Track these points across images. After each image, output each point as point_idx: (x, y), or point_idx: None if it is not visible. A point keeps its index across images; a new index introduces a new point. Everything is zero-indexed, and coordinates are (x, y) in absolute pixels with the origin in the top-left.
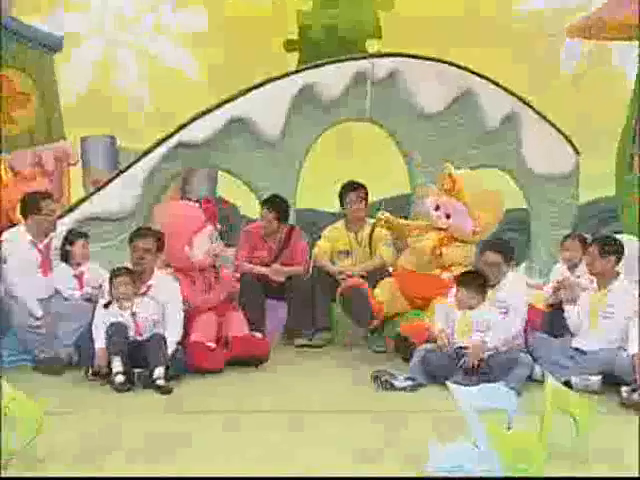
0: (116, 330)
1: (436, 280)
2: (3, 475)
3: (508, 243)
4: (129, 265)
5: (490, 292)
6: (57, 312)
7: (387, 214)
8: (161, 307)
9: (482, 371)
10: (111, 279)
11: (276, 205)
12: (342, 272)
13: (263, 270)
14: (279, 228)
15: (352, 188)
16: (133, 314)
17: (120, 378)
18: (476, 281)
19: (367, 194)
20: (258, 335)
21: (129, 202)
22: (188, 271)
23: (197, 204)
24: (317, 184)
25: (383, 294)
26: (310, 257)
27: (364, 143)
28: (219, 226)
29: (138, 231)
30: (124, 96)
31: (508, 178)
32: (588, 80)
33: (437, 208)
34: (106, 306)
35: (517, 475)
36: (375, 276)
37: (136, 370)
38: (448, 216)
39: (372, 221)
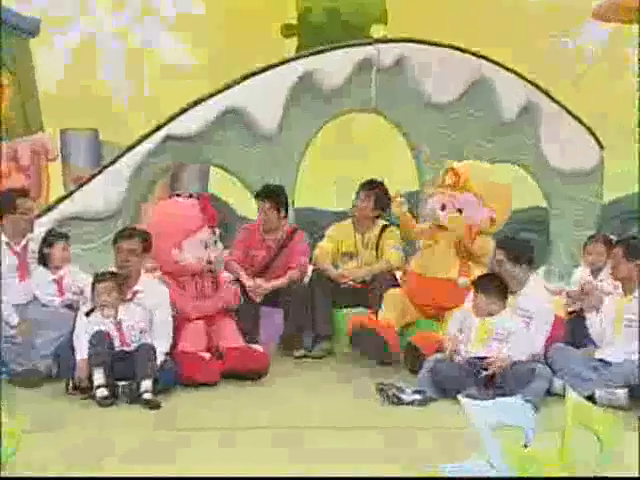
0: (99, 339)
1: (451, 286)
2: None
3: (519, 241)
4: (114, 269)
5: (510, 298)
6: (35, 320)
7: (405, 206)
8: (148, 314)
9: (497, 384)
10: (94, 284)
11: (270, 194)
12: (344, 276)
13: (244, 280)
14: (279, 221)
15: (364, 186)
16: (118, 322)
17: (103, 392)
18: (497, 285)
19: (380, 196)
20: (257, 347)
21: (113, 200)
22: (177, 275)
23: (196, 201)
24: (318, 181)
25: (389, 310)
26: (310, 259)
27: (369, 136)
28: (218, 230)
29: (123, 232)
30: (108, 85)
31: (525, 174)
32: (592, 78)
33: (444, 207)
34: (88, 314)
35: None
36: (381, 283)
37: (121, 383)
38: (459, 212)
39: (382, 222)
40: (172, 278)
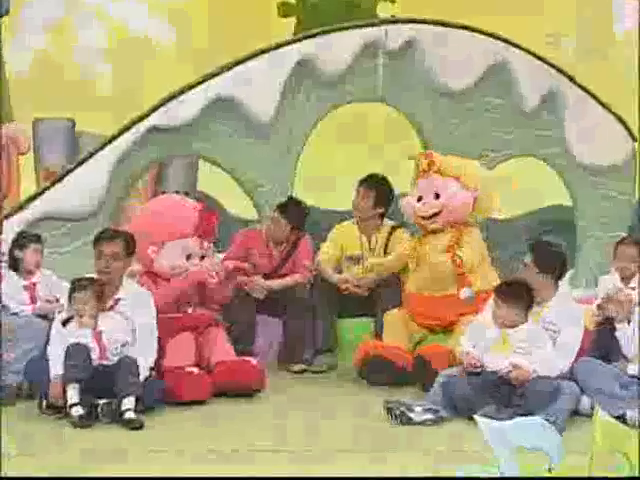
0: (76, 353)
1: (454, 301)
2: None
3: (551, 247)
4: (93, 274)
5: (535, 308)
6: (4, 331)
7: (372, 260)
8: (131, 325)
9: (517, 402)
10: (71, 292)
11: (294, 213)
12: (347, 281)
13: (243, 280)
14: (290, 237)
15: (362, 182)
16: (97, 334)
17: (78, 410)
18: (521, 294)
19: (380, 193)
20: (251, 360)
21: (91, 199)
22: (157, 276)
23: (197, 206)
24: (318, 177)
25: (394, 334)
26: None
27: (375, 128)
28: (209, 245)
29: (103, 233)
30: (85, 69)
31: (548, 169)
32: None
33: (420, 199)
34: (64, 324)
35: None
36: (387, 290)
37: (100, 401)
38: (437, 197)
39: (391, 223)
40: (150, 279)
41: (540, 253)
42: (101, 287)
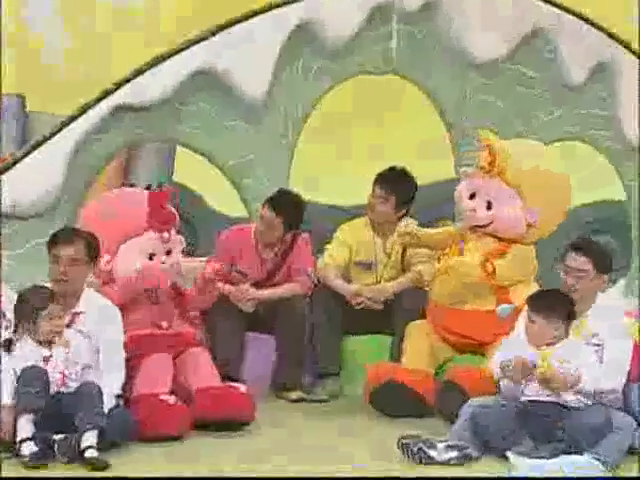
0: (30, 378)
1: (489, 318)
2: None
3: (600, 246)
4: (47, 283)
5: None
6: None
7: (412, 225)
8: (94, 344)
9: (559, 437)
10: (20, 304)
11: (286, 206)
12: (359, 294)
13: (225, 289)
14: (284, 237)
15: (381, 181)
16: (52, 356)
17: (30, 447)
18: (560, 303)
19: (403, 193)
20: (238, 387)
21: (46, 192)
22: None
23: (144, 196)
24: (320, 165)
25: (414, 352)
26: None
27: (388, 106)
28: (170, 234)
29: (61, 234)
30: (39, 37)
31: (597, 155)
32: None
33: (472, 196)
34: (8, 347)
35: None
36: (407, 304)
37: (57, 436)
38: (489, 206)
39: (411, 222)
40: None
41: (594, 250)
42: (57, 298)
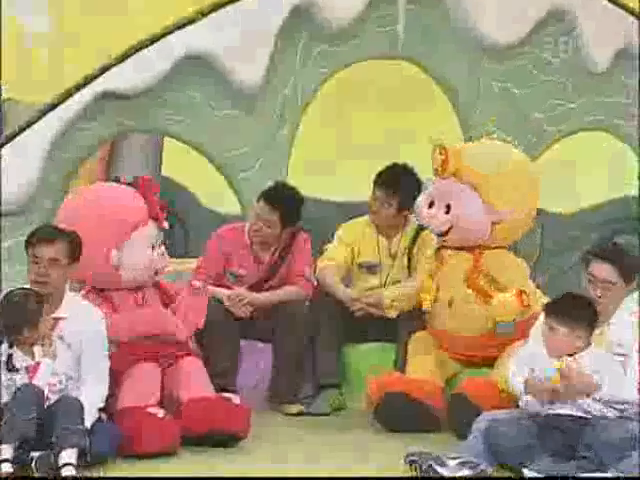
0: (25, 402)
1: (492, 338)
2: None
3: (626, 252)
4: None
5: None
6: None
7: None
8: (76, 353)
9: (581, 453)
10: (10, 310)
11: (283, 201)
12: (359, 300)
13: (217, 293)
14: (281, 235)
15: (382, 180)
16: (34, 367)
17: (7, 468)
18: (584, 312)
19: (407, 193)
20: (232, 398)
21: (22, 187)
22: (111, 291)
23: (131, 189)
24: (321, 158)
25: (422, 362)
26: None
27: (395, 94)
28: (166, 224)
29: (40, 232)
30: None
31: (622, 147)
32: None
33: (431, 205)
34: (13, 365)
35: None
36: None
37: (34, 454)
38: (448, 209)
39: (416, 222)
40: (100, 297)
41: (620, 258)
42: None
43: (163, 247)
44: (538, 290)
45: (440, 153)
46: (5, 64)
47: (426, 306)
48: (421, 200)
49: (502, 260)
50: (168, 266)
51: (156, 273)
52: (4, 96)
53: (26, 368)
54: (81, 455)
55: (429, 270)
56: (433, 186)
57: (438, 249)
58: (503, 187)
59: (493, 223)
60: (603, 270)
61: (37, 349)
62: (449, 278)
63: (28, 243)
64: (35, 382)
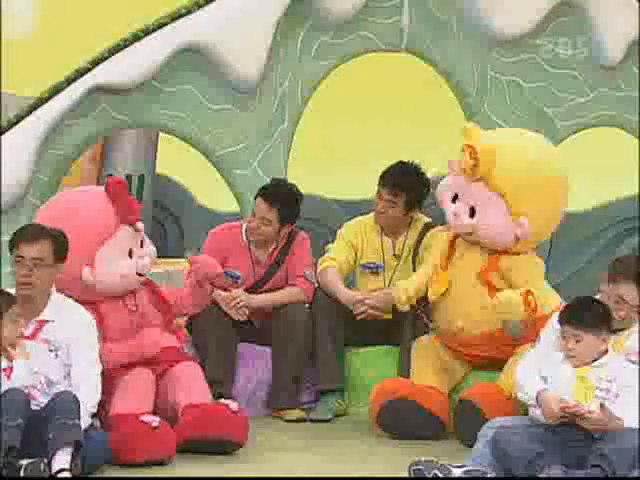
0: (13, 408)
1: (500, 338)
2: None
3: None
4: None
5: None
6: None
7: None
8: (63, 358)
9: (594, 463)
10: None
11: (281, 199)
12: (361, 302)
13: (216, 295)
14: (280, 233)
15: (387, 179)
16: (10, 370)
17: None
18: (599, 314)
19: (414, 193)
20: (230, 405)
21: (10, 186)
22: (93, 301)
23: (100, 190)
24: (322, 155)
25: (426, 367)
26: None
27: (399, 89)
28: (140, 224)
29: (24, 232)
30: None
31: (635, 143)
32: None
33: (455, 199)
34: None
35: None
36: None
37: (23, 462)
38: (472, 212)
39: (424, 219)
40: (89, 307)
41: (624, 271)
42: (21, 305)
43: (150, 245)
44: (553, 290)
45: (470, 154)
46: None
47: (435, 296)
48: (444, 189)
49: (519, 261)
50: (155, 263)
51: (140, 275)
52: None
53: (4, 370)
54: (77, 455)
55: (442, 251)
56: (461, 181)
57: (453, 238)
58: (533, 199)
59: (517, 237)
60: (632, 293)
61: (10, 351)
62: (462, 273)
63: (11, 243)
64: (10, 384)
